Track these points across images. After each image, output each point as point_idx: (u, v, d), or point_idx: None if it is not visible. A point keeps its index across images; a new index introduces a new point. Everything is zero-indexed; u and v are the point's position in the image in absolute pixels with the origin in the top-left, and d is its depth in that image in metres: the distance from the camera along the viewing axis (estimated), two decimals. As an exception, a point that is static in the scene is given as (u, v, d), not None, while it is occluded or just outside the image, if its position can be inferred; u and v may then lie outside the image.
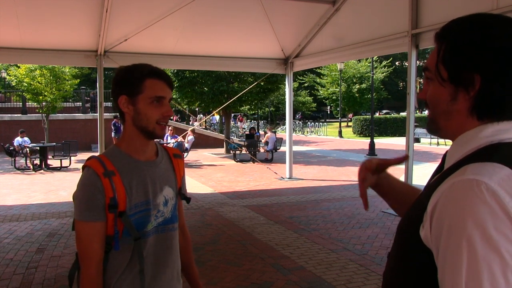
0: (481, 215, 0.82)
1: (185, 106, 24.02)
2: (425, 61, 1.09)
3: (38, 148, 14.96)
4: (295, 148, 17.68)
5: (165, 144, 2.35)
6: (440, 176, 1.01)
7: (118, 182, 1.53)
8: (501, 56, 0.92)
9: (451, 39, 0.98)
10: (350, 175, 13.08)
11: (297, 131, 36.11)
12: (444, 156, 1.12)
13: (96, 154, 1.65)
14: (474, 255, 0.81)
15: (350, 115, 41.50)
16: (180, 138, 16.18)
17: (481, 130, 0.96)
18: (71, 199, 1.59)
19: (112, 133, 18.13)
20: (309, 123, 39.23)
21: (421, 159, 16.32)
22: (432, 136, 23.34)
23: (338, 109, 36.55)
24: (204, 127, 28.07)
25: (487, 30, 0.94)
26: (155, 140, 1.67)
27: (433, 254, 0.91)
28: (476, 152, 0.94)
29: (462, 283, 0.81)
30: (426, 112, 1.11)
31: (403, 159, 1.19)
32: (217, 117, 31.54)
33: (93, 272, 1.52)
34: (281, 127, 38.28)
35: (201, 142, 21.09)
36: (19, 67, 18.83)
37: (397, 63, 52.76)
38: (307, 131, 36.65)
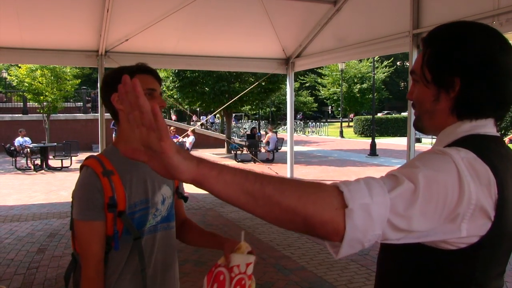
0: (442, 165, 0.90)
1: (186, 106, 24.01)
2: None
3: (39, 148, 14.97)
4: (296, 148, 17.68)
5: None
6: None
7: (117, 181, 1.53)
8: (479, 62, 1.01)
9: (435, 44, 1.07)
10: (351, 175, 13.07)
11: (298, 131, 36.11)
12: None
13: (95, 154, 1.65)
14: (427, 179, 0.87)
15: (352, 115, 41.47)
16: (181, 138, 16.19)
17: (459, 125, 1.05)
18: (72, 199, 1.58)
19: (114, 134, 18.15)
20: (310, 123, 39.23)
21: (422, 159, 16.28)
22: (433, 136, 23.31)
23: (339, 109, 36.53)
24: (205, 127, 28.06)
25: (468, 37, 1.03)
26: None
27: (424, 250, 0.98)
28: (452, 143, 1.03)
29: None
30: (413, 112, 1.18)
31: None
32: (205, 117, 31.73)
33: (93, 273, 1.51)
34: (282, 127, 38.26)
35: (202, 142, 21.08)
36: (20, 67, 18.85)
37: (398, 63, 52.71)
38: (308, 131, 36.64)
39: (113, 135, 17.95)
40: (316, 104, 48.76)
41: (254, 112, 33.93)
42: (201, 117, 34.38)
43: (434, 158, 0.93)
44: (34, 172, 14.22)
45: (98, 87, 8.52)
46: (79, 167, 1.63)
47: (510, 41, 1.07)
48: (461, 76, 1.01)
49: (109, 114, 1.68)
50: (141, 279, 1.58)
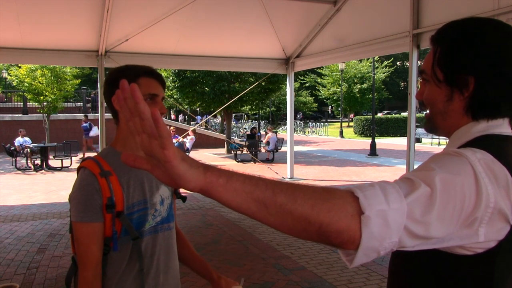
0: (459, 166, 0.86)
1: (186, 106, 24.01)
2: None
3: (39, 148, 14.97)
4: (296, 148, 17.68)
5: None
6: None
7: (115, 182, 1.52)
8: (494, 59, 0.96)
9: (447, 42, 1.02)
10: (351, 175, 13.08)
11: (298, 131, 36.10)
12: None
13: (92, 155, 1.64)
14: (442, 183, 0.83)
15: (352, 115, 41.48)
16: (181, 139, 16.20)
17: (474, 125, 1.01)
18: (69, 202, 1.57)
19: (84, 135, 17.98)
20: (310, 123, 39.23)
21: (423, 159, 16.21)
22: (433, 136, 23.33)
23: (339, 109, 36.55)
24: (205, 127, 28.06)
25: (481, 34, 0.98)
26: None
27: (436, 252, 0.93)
28: (466, 143, 0.99)
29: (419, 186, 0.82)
30: (424, 112, 1.14)
31: None
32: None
33: (90, 275, 1.50)
34: (282, 127, 38.28)
35: (202, 142, 21.08)
36: (20, 67, 18.86)
37: (398, 63, 52.72)
38: (308, 131, 36.65)
39: (84, 136, 17.96)
40: (316, 104, 48.79)
41: (254, 112, 33.93)
42: (197, 117, 34.38)
43: (450, 160, 0.88)
44: (34, 172, 14.22)
45: (98, 87, 8.55)
46: (76, 168, 1.63)
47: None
48: (475, 75, 0.97)
49: (109, 114, 1.67)
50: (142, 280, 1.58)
